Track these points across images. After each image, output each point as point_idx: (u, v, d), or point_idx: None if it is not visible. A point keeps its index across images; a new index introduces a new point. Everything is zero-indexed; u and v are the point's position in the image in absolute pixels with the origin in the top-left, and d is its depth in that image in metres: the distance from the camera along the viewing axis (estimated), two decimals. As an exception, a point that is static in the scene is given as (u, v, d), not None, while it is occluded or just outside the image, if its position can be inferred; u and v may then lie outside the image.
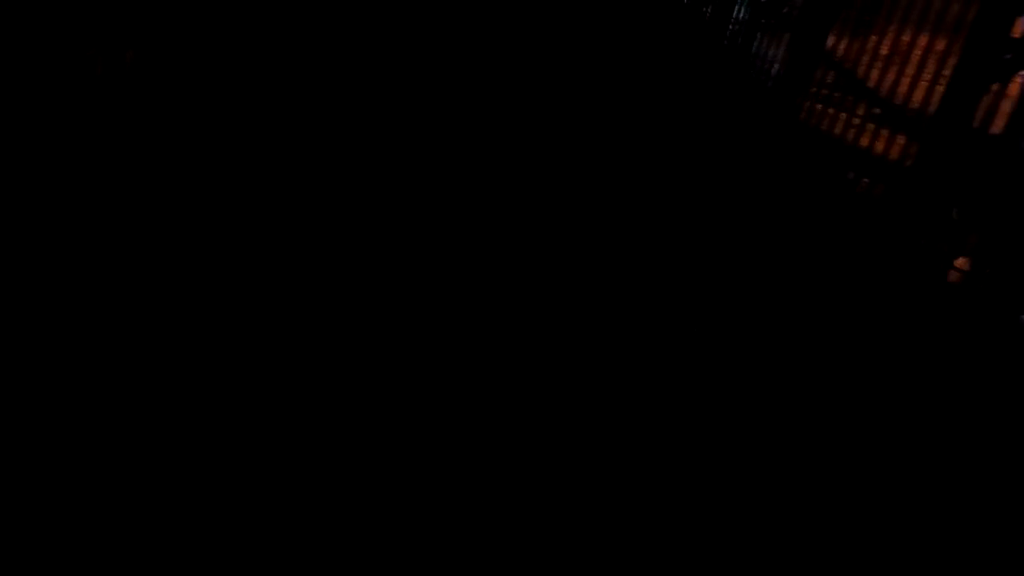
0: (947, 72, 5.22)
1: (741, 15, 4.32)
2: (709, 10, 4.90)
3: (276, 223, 2.50)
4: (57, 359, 1.85)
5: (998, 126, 2.33)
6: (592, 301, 2.39)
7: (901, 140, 2.82)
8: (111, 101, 2.91)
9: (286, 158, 2.87)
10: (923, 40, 2.96)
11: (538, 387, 2.01)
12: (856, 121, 3.27)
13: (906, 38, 3.25)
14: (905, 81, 4.21)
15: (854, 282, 2.76)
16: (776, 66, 3.97)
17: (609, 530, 1.63)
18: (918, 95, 4.00)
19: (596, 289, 2.45)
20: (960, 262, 2.32)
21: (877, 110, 3.04)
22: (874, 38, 3.15)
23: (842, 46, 4.01)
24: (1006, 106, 2.78)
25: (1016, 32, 2.32)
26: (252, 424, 1.76)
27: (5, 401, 1.71)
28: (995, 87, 2.34)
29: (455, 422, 1.86)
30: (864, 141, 3.26)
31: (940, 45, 3.47)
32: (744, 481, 1.80)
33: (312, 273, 2.31)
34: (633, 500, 1.71)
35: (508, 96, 3.85)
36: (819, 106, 3.53)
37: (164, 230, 2.37)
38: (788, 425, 2.00)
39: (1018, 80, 2.34)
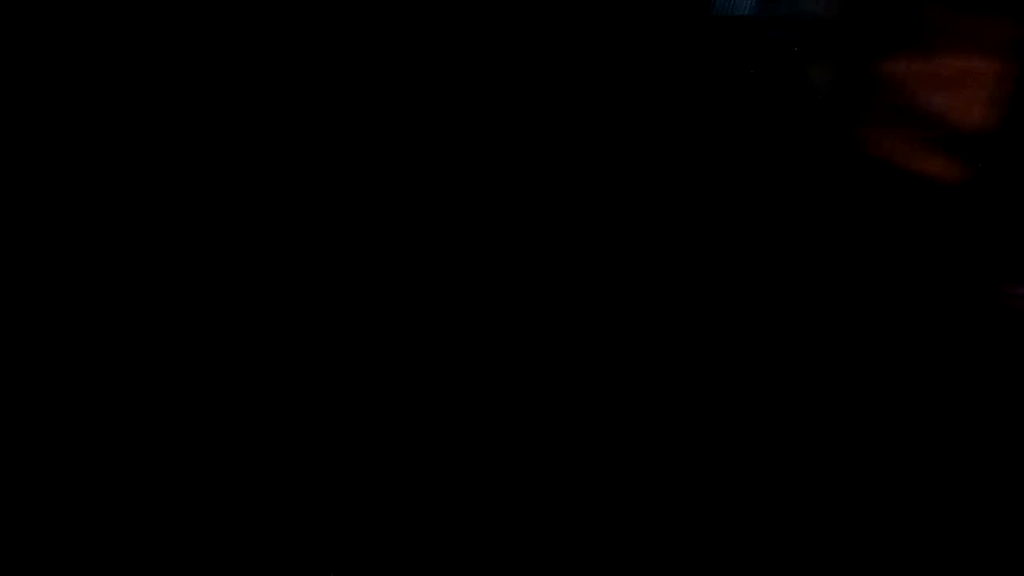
0: (1003, 94, 5.10)
1: (787, 36, 4.28)
2: (751, 31, 4.88)
3: (277, 222, 2.51)
4: (59, 357, 1.87)
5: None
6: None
7: (956, 163, 2.75)
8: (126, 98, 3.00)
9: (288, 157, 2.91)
10: (978, 62, 2.90)
11: (538, 387, 1.98)
12: (909, 144, 3.20)
13: (960, 60, 3.19)
14: (960, 104, 4.11)
15: (910, 309, 2.68)
16: (824, 89, 3.92)
17: (609, 530, 1.59)
18: (973, 118, 3.90)
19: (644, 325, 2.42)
20: (1022, 288, 2.24)
21: (930, 133, 2.98)
22: (926, 60, 3.09)
23: (893, 68, 3.95)
24: (1067, 127, 2.70)
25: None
26: (251, 424, 1.76)
27: (5, 401, 1.73)
28: (1056, 107, 2.27)
29: (455, 422, 1.84)
30: (917, 164, 3.19)
31: (995, 67, 3.39)
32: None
33: (313, 272, 2.31)
34: (634, 501, 1.66)
35: (555, 138, 3.87)
36: (869, 129, 3.46)
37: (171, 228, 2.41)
38: (834, 458, 1.94)
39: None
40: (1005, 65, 2.53)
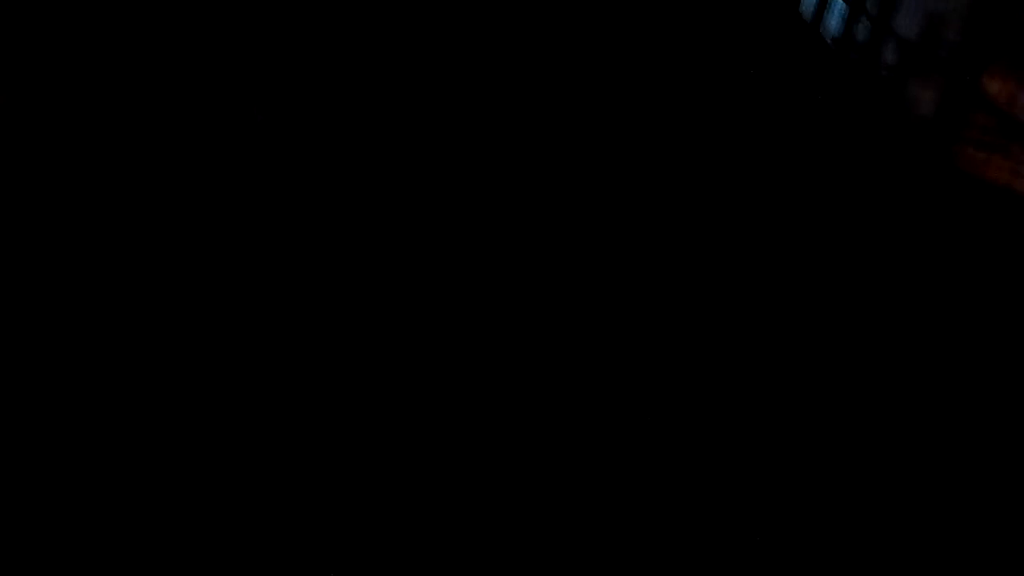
0: None
1: (890, 58, 4.06)
2: (856, 53, 4.66)
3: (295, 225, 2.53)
4: (66, 359, 1.93)
5: None
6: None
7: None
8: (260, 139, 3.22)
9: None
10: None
11: (540, 387, 1.93)
12: (1009, 164, 2.97)
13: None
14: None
15: (1013, 327, 2.48)
16: (929, 109, 3.69)
17: (609, 529, 1.54)
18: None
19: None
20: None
21: (1030, 155, 2.74)
22: (1026, 77, 2.86)
23: (1000, 88, 3.66)
24: None
25: None
26: (254, 425, 1.78)
27: (8, 401, 1.76)
28: None
29: (455, 422, 1.81)
30: (1020, 184, 2.95)
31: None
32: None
33: (321, 274, 2.31)
34: (634, 497, 1.60)
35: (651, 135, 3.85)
36: (974, 151, 3.23)
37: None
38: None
39: None
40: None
